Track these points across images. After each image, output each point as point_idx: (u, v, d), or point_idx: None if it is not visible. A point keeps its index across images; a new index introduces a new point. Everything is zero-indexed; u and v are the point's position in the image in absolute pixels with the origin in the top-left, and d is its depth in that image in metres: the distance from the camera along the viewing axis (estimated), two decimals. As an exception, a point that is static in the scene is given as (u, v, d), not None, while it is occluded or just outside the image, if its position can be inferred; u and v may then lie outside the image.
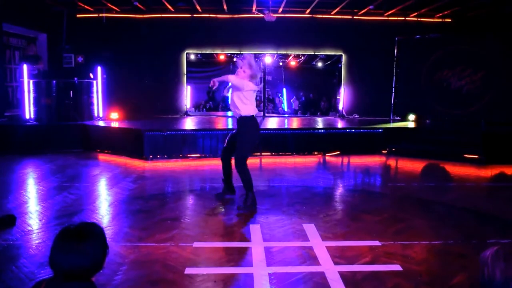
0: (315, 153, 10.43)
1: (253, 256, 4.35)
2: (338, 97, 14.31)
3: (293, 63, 16.32)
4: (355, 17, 13.49)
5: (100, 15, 12.91)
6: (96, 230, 1.99)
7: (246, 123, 5.90)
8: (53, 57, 12.61)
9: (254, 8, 12.61)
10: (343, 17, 13.47)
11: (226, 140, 6.26)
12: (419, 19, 13.50)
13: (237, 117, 5.98)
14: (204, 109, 16.64)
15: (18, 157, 9.49)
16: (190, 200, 6.77)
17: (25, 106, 10.64)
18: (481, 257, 1.88)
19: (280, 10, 12.86)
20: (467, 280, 3.92)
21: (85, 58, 12.63)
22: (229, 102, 6.13)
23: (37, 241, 4.72)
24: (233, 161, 6.10)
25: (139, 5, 12.36)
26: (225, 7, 12.67)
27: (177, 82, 13.84)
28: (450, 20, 13.49)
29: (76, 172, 8.41)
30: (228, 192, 6.45)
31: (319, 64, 15.53)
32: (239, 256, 4.38)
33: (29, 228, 5.13)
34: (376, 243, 4.72)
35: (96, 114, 11.62)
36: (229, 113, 15.85)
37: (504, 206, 6.45)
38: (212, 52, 14.42)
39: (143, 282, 3.83)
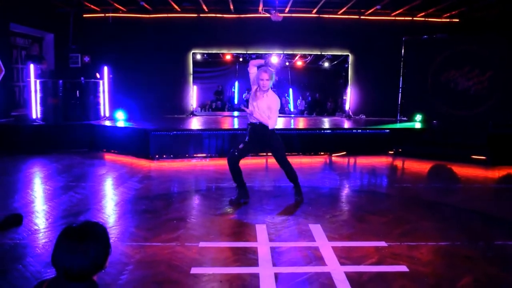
0: (321, 153, 10.40)
1: (259, 256, 4.33)
2: (344, 97, 14.27)
3: (299, 63, 16.30)
4: (362, 17, 13.46)
5: (107, 15, 12.95)
6: (98, 229, 1.98)
7: (274, 132, 6.15)
8: (59, 57, 12.66)
9: (260, 8, 12.60)
10: (349, 17, 13.43)
11: (240, 149, 6.15)
12: (426, 19, 13.45)
13: (260, 124, 6.02)
14: (210, 109, 16.66)
15: (25, 156, 9.52)
16: (196, 200, 6.77)
17: (31, 106, 10.68)
18: None
19: (287, 10, 12.84)
20: (474, 282, 3.89)
21: (91, 58, 12.67)
22: (257, 114, 6.01)
23: (43, 241, 4.73)
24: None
25: (146, 5, 12.38)
26: (231, 7, 12.67)
27: (183, 82, 13.86)
28: (457, 20, 13.42)
29: (82, 171, 8.43)
30: (245, 196, 6.37)
31: (326, 64, 15.50)
32: (245, 256, 4.37)
33: (36, 227, 5.15)
34: (382, 244, 4.69)
35: (102, 114, 11.66)
36: (236, 113, 15.87)
37: (511, 208, 6.39)
38: (218, 52, 14.43)
39: (149, 282, 3.83)
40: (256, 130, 6.10)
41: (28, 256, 4.32)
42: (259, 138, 6.13)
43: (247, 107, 6.20)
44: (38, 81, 10.69)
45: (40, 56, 11.84)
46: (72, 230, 1.92)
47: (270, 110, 5.97)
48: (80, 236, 1.90)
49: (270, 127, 6.02)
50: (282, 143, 6.24)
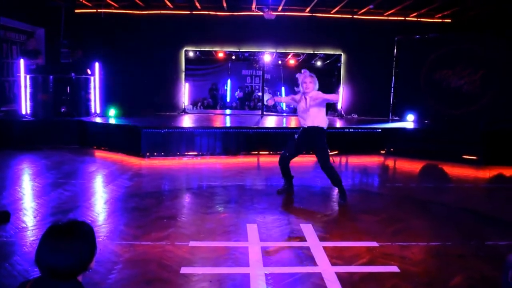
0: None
1: (250, 256, 4.30)
2: (336, 97, 14.24)
3: (292, 61, 16.27)
4: (355, 16, 13.44)
5: (99, 10, 12.82)
6: (85, 228, 1.94)
7: (324, 133, 6.26)
8: (50, 52, 12.52)
9: (253, 6, 12.54)
10: (342, 16, 13.41)
11: (289, 150, 6.41)
12: (418, 19, 13.46)
13: (309, 127, 6.21)
14: (202, 107, 16.58)
15: (14, 152, 9.41)
16: (186, 199, 6.72)
17: (21, 101, 10.56)
18: (506, 260, 1.86)
19: (280, 8, 12.80)
20: (466, 281, 3.89)
21: (83, 53, 12.54)
22: (304, 115, 6.24)
23: (31, 238, 4.67)
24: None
25: (138, 1, 12.28)
26: (224, 4, 12.61)
27: (175, 79, 13.77)
28: (449, 20, 13.46)
29: (72, 168, 8.35)
30: (291, 187, 6.69)
31: (318, 63, 15.47)
32: (235, 256, 4.33)
33: (24, 225, 5.08)
34: (374, 243, 4.68)
35: (93, 110, 11.56)
36: (228, 111, 15.83)
37: (502, 207, 6.43)
38: (211, 49, 14.36)
39: (138, 281, 3.78)
40: (307, 132, 6.26)
41: (16, 254, 4.26)
42: (309, 138, 6.27)
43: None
44: (28, 76, 10.57)
45: (36, 50, 11.71)
46: (58, 228, 1.88)
47: (324, 98, 6.13)
48: (66, 234, 1.86)
49: (324, 125, 6.22)
50: (327, 144, 6.31)
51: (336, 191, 7.33)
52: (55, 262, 1.80)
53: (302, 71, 6.27)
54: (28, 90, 10.62)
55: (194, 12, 13.29)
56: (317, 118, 6.19)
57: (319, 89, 6.27)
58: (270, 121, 12.51)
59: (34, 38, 12.27)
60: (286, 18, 13.23)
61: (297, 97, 6.37)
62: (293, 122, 12.48)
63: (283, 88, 17.82)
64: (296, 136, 6.44)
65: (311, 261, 4.23)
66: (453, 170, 8.98)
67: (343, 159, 10.03)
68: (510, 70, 11.43)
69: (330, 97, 6.26)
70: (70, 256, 1.82)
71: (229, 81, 17.72)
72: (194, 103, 16.37)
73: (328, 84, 16.07)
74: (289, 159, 6.44)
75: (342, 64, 13.93)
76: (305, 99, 6.20)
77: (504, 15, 11.69)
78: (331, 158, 6.33)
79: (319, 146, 6.24)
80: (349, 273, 3.96)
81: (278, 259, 4.27)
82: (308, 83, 6.14)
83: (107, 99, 12.04)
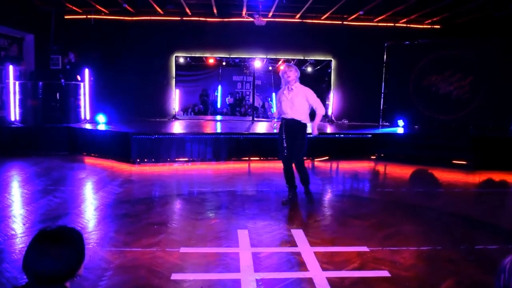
0: (304, 158, 10.38)
1: (241, 262, 4.29)
2: (327, 102, 14.32)
3: (282, 67, 16.32)
4: (345, 22, 13.54)
5: (89, 16, 12.80)
6: (73, 234, 1.92)
7: (305, 128, 6.30)
8: (40, 58, 12.46)
9: (244, 12, 12.58)
10: (333, 22, 13.51)
11: (284, 148, 6.35)
12: (408, 25, 13.59)
13: (291, 119, 6.20)
14: (193, 113, 16.57)
15: (3, 159, 9.32)
16: (177, 205, 6.70)
17: (10, 107, 10.49)
18: (500, 263, 1.86)
19: (270, 14, 12.85)
20: (456, 285, 3.90)
21: (72, 59, 12.50)
22: (287, 108, 6.22)
23: (20, 246, 4.62)
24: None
25: (128, 7, 12.27)
26: (215, 10, 12.64)
27: (166, 85, 13.76)
28: (439, 26, 13.60)
29: (62, 175, 8.29)
30: (296, 196, 6.55)
31: (309, 69, 15.54)
32: (226, 262, 4.31)
33: (13, 232, 5.02)
34: (365, 248, 4.68)
35: (83, 117, 11.50)
36: (218, 117, 15.82)
37: (492, 212, 6.47)
38: (201, 55, 14.38)
39: (128, 287, 3.75)
40: (288, 124, 6.24)
41: (4, 261, 4.21)
42: (290, 131, 6.24)
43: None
44: (17, 82, 10.51)
45: (19, 57, 11.65)
46: (46, 233, 1.87)
47: (309, 100, 6.17)
48: (54, 240, 1.84)
49: (306, 120, 6.24)
50: (306, 145, 6.34)
51: (327, 196, 7.36)
52: (42, 267, 1.79)
53: (281, 67, 6.31)
54: (17, 97, 10.55)
55: (184, 18, 13.31)
56: (301, 113, 6.17)
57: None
58: (261, 127, 12.52)
59: (17, 44, 12.20)
60: (277, 24, 13.29)
61: (283, 94, 6.28)
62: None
63: (273, 94, 17.85)
64: (280, 134, 6.36)
65: (302, 266, 4.22)
66: (443, 175, 9.03)
67: (334, 165, 10.06)
68: (499, 76, 11.56)
69: (318, 108, 6.22)
70: (58, 261, 1.81)
71: (219, 87, 17.74)
72: (184, 109, 16.36)
73: (318, 90, 16.17)
74: (291, 160, 6.38)
75: (332, 70, 14.00)
76: (291, 89, 6.17)
77: (493, 22, 11.83)
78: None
79: (299, 140, 6.23)
80: (340, 278, 3.96)
81: (269, 265, 4.26)
82: (288, 72, 6.14)
83: (97, 105, 11.99)
